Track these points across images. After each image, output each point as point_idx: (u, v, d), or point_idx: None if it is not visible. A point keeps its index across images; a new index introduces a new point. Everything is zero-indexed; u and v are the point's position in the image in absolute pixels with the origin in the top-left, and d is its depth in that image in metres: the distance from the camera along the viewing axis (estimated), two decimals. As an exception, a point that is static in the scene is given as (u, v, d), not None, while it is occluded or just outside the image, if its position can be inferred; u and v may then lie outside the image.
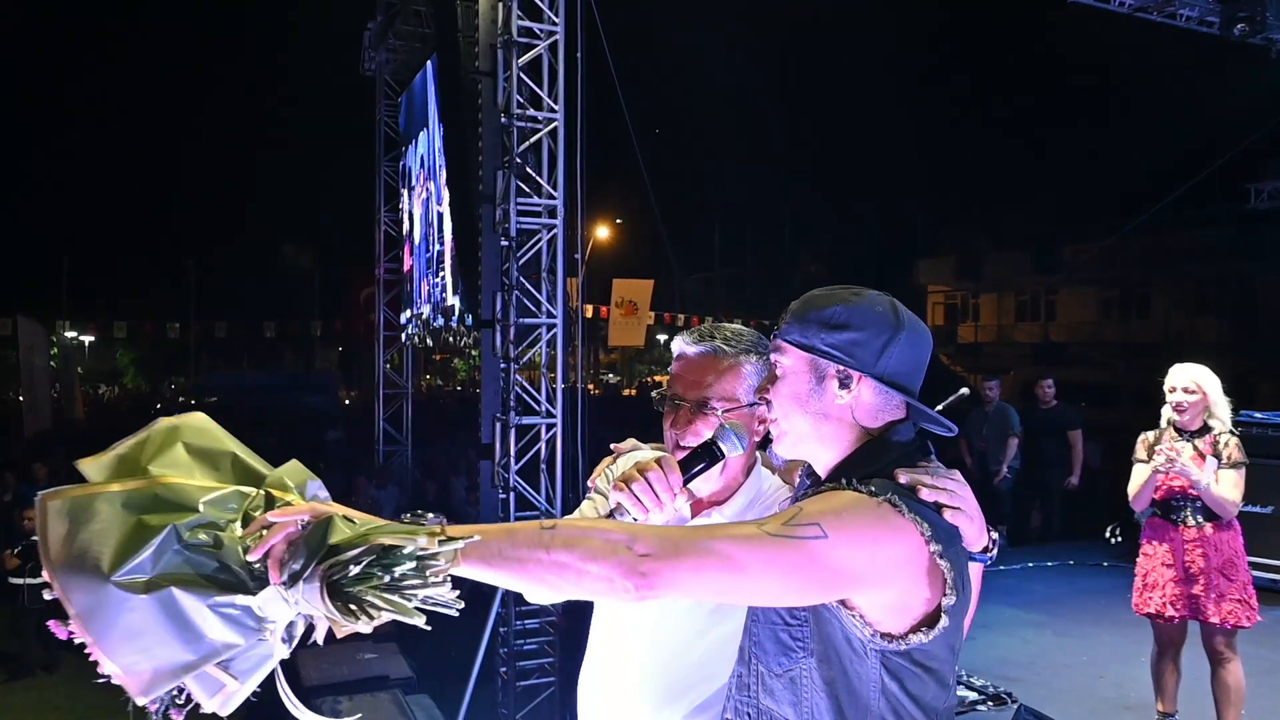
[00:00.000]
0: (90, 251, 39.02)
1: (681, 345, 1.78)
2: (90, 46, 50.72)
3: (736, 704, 1.49)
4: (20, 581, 7.86)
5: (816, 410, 1.44)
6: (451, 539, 1.18)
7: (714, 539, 1.24)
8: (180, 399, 31.44)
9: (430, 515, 1.24)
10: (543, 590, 1.30)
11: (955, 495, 1.37)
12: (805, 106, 49.37)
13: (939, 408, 2.42)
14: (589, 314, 21.87)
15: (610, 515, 1.61)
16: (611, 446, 2.00)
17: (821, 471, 1.48)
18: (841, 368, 1.41)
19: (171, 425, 1.36)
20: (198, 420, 1.38)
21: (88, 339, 35.59)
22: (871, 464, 1.40)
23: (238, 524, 1.27)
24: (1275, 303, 23.10)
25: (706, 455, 1.63)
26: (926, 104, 43.38)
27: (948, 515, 1.35)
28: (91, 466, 1.32)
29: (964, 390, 2.66)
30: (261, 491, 1.30)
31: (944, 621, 1.32)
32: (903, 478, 1.36)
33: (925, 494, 1.34)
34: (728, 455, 1.64)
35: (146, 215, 44.60)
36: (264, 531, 1.20)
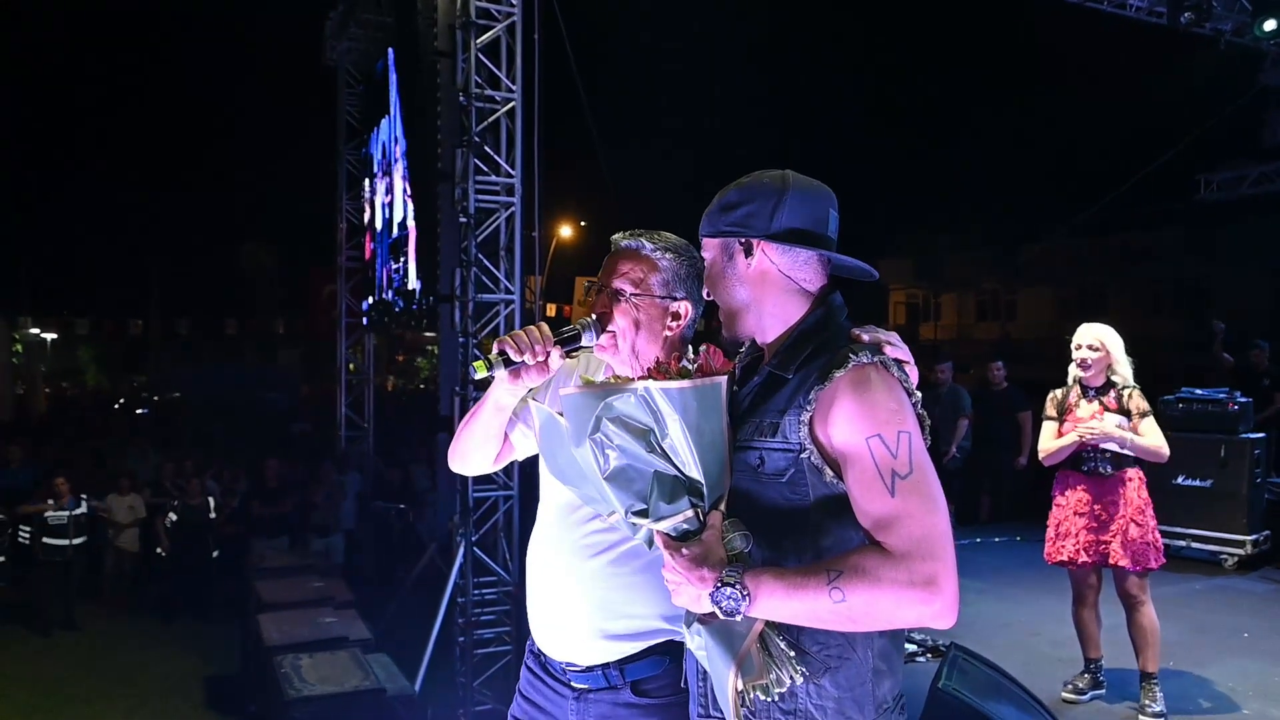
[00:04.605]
0: (51, 249, 38.50)
1: (614, 239, 1.99)
2: (44, 38, 49.94)
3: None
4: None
5: (736, 281, 1.62)
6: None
7: (928, 516, 1.41)
8: (143, 394, 31.09)
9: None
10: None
11: (905, 349, 1.56)
12: (766, 102, 49.68)
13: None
14: (551, 313, 21.88)
15: (501, 356, 1.79)
16: None
17: (773, 338, 1.62)
18: (742, 239, 1.60)
19: None
20: None
21: (50, 336, 35.09)
22: (828, 327, 1.57)
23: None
24: (1225, 301, 23.66)
25: (573, 335, 1.88)
26: (887, 104, 43.87)
27: (907, 369, 1.53)
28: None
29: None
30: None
31: None
32: (865, 336, 1.54)
33: (890, 351, 1.52)
34: (584, 343, 1.90)
35: (107, 213, 44.01)
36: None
